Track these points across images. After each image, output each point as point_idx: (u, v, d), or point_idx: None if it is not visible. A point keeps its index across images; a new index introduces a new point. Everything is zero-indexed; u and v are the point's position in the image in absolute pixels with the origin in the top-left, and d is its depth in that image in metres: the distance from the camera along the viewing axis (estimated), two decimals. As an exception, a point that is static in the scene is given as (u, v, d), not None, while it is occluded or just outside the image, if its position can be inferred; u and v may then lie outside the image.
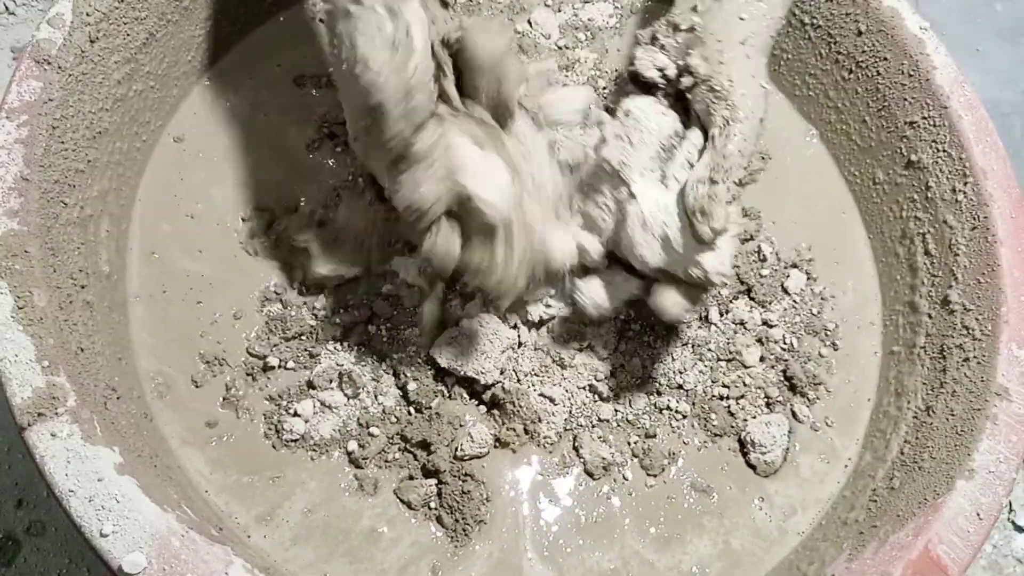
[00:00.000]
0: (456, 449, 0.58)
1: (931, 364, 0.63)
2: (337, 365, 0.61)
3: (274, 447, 0.59)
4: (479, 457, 0.59)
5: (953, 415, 0.58)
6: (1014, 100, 1.12)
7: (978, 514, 0.53)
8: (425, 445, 0.59)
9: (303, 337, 0.62)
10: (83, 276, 0.56)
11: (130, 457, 0.49)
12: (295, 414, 0.59)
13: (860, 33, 0.70)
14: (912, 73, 0.68)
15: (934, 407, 0.60)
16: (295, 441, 0.59)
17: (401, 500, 0.58)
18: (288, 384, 0.60)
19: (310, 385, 0.60)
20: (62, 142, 0.56)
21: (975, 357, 0.59)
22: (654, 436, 0.61)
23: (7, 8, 1.04)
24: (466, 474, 0.58)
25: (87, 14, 0.59)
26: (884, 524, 0.56)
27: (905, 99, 0.68)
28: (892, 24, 0.69)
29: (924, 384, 0.62)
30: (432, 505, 0.58)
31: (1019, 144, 1.08)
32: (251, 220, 0.65)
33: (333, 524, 0.57)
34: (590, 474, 0.60)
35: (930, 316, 0.64)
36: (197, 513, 0.51)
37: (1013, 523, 0.89)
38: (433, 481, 0.58)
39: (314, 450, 0.59)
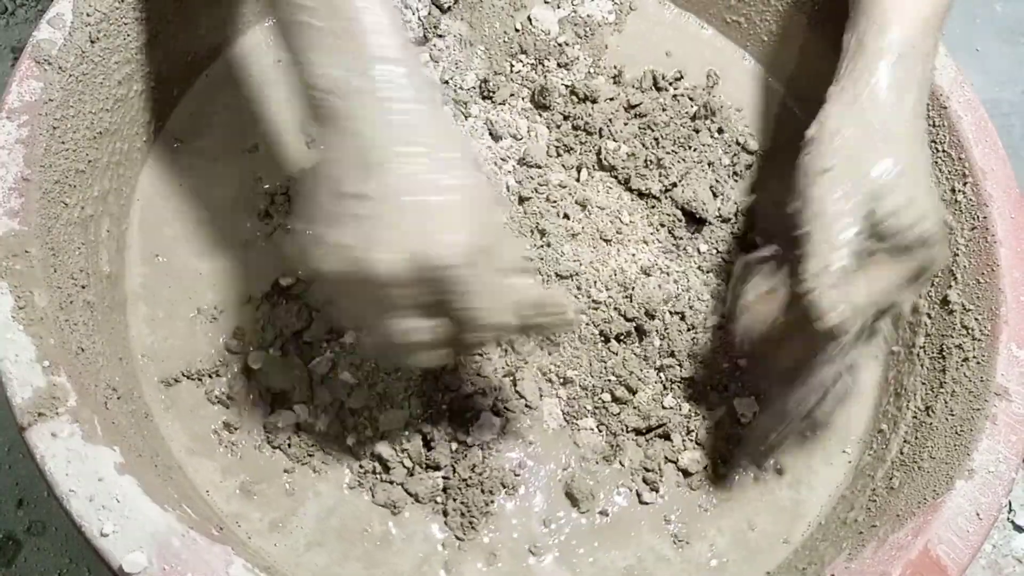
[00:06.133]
0: (462, 440, 0.59)
1: (931, 364, 0.63)
2: (331, 359, 0.61)
3: (276, 448, 0.59)
4: (485, 447, 0.59)
5: (953, 415, 0.58)
6: (1014, 100, 1.12)
7: (977, 514, 0.53)
8: (426, 441, 0.59)
9: (302, 333, 0.61)
10: (84, 276, 0.56)
11: (130, 457, 0.49)
12: (291, 409, 0.59)
13: (860, 33, 0.70)
14: (912, 73, 0.68)
15: (934, 407, 0.60)
16: (293, 438, 0.59)
17: (408, 493, 0.58)
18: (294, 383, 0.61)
19: (310, 383, 0.60)
20: (63, 142, 0.56)
21: (975, 357, 0.59)
22: (661, 426, 0.62)
23: (7, 8, 1.04)
24: (471, 466, 0.58)
25: (87, 14, 0.59)
26: (883, 524, 0.56)
27: (905, 99, 0.68)
28: (892, 24, 0.69)
29: (924, 384, 0.62)
30: (439, 499, 0.58)
31: (1019, 144, 1.08)
32: (257, 213, 0.65)
33: (348, 526, 0.57)
34: (604, 459, 0.61)
35: (929, 316, 0.64)
36: (198, 513, 0.51)
37: (1013, 523, 0.89)
38: (439, 473, 0.58)
39: (314, 446, 0.59)
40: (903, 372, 0.65)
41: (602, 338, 0.62)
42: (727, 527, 0.61)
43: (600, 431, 0.62)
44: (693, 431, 0.62)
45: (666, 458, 0.61)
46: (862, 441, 0.65)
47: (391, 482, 0.58)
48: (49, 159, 0.55)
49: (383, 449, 0.59)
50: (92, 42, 0.59)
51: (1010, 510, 0.90)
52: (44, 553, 0.79)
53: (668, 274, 0.65)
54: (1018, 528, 0.89)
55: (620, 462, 0.61)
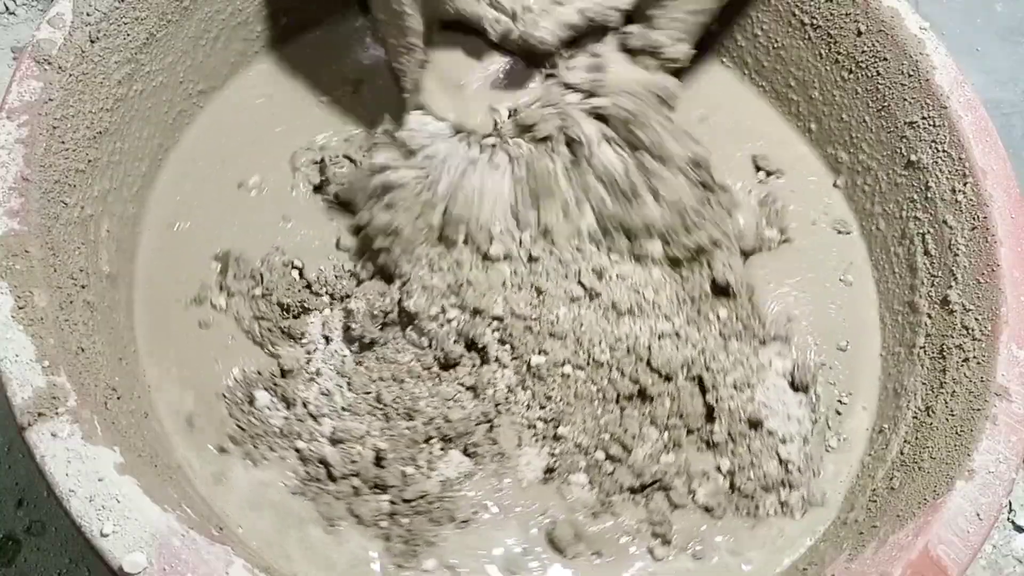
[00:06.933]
0: (421, 469, 0.57)
1: (931, 364, 0.63)
2: (307, 355, 0.61)
3: (231, 435, 0.59)
4: (446, 482, 0.58)
5: (953, 415, 0.58)
6: (1014, 100, 1.12)
7: (978, 514, 0.53)
8: (377, 460, 0.57)
9: (291, 311, 0.62)
10: (84, 276, 0.56)
11: (130, 457, 0.49)
12: (251, 401, 0.59)
13: (860, 33, 0.70)
14: (912, 73, 0.68)
15: (934, 407, 0.60)
16: (248, 426, 0.59)
17: (351, 513, 0.57)
18: (260, 369, 0.61)
19: (282, 373, 0.60)
20: (62, 142, 0.56)
21: (975, 357, 0.59)
22: (656, 482, 0.60)
23: (7, 8, 1.04)
24: (422, 493, 0.56)
25: (87, 14, 0.59)
26: (884, 524, 0.56)
27: (905, 99, 0.68)
28: (892, 24, 0.69)
29: (924, 384, 0.62)
30: (383, 524, 0.56)
31: (1019, 144, 1.08)
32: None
33: (281, 511, 0.57)
34: (593, 515, 0.59)
35: (930, 316, 0.64)
36: (197, 513, 0.51)
37: (1013, 523, 0.89)
38: (386, 497, 0.57)
39: (262, 440, 0.58)
40: (903, 372, 0.65)
41: (600, 395, 0.61)
42: (750, 540, 0.60)
43: (592, 487, 0.60)
44: (699, 474, 0.60)
45: (674, 505, 0.59)
46: (864, 439, 0.65)
47: (336, 497, 0.57)
48: (49, 159, 0.55)
49: (331, 455, 0.57)
50: (92, 42, 0.59)
51: (1010, 510, 0.90)
52: (44, 553, 0.79)
53: (686, 340, 0.63)
54: (1018, 528, 0.89)
55: (611, 512, 0.59)
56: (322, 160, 0.68)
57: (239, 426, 0.59)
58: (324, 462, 0.58)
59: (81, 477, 0.46)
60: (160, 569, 0.45)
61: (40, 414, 0.47)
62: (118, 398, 0.54)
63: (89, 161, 0.59)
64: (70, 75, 0.57)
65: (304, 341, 0.62)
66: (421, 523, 0.56)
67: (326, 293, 0.63)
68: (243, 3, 0.71)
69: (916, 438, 0.60)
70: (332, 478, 0.57)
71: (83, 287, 0.56)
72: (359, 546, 0.56)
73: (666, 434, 0.61)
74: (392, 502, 0.57)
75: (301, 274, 0.64)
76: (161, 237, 0.65)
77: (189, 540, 0.46)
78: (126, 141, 0.63)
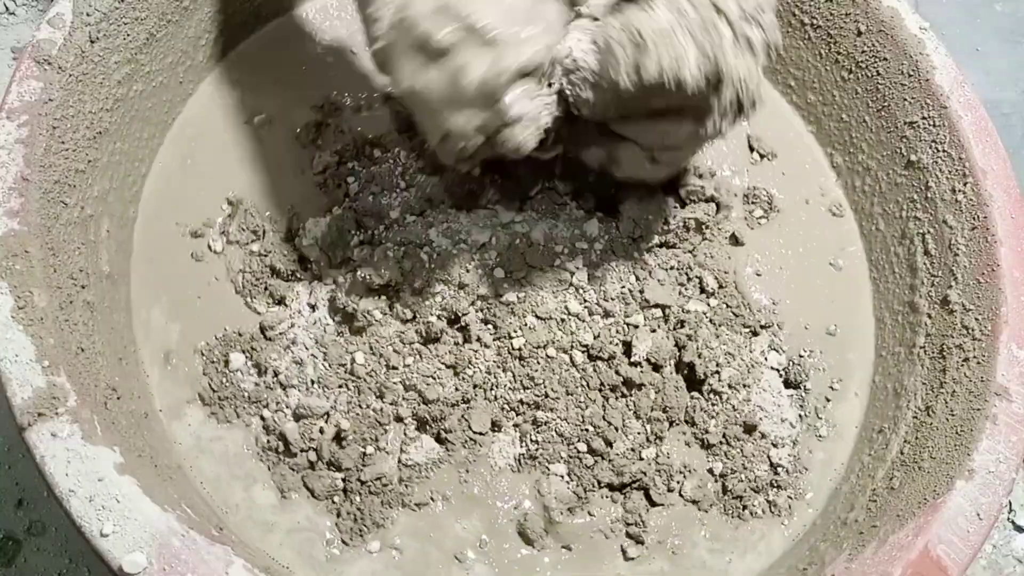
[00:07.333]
0: (384, 449, 0.57)
1: (931, 364, 0.63)
2: (289, 319, 0.61)
3: (201, 395, 0.59)
4: (411, 464, 0.58)
5: (953, 415, 0.58)
6: (1014, 100, 1.12)
7: (978, 514, 0.53)
8: (338, 437, 0.57)
9: (283, 281, 0.63)
10: (83, 276, 0.56)
11: (130, 457, 0.49)
12: (226, 363, 0.60)
13: (860, 33, 0.71)
14: (912, 73, 0.68)
15: (934, 407, 0.60)
16: (219, 387, 0.59)
17: (306, 486, 0.57)
18: (240, 330, 0.62)
19: (263, 331, 0.61)
20: (62, 142, 0.57)
21: (975, 357, 0.59)
22: (636, 481, 0.59)
23: (7, 8, 1.04)
24: (378, 475, 0.57)
25: (87, 14, 0.59)
26: (884, 524, 0.56)
27: (905, 99, 0.69)
28: (892, 24, 0.69)
29: (924, 384, 0.63)
30: (336, 499, 0.57)
31: (1019, 144, 1.08)
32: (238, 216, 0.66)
33: (235, 464, 0.58)
34: (569, 510, 0.58)
35: (930, 316, 0.64)
36: (197, 513, 0.51)
37: (1013, 523, 0.89)
38: (339, 475, 0.57)
39: (229, 403, 0.59)
40: (903, 372, 0.65)
41: (584, 383, 0.60)
42: (731, 540, 0.60)
43: (570, 480, 0.59)
44: (684, 469, 0.60)
45: (652, 503, 0.59)
46: (859, 440, 0.65)
47: (293, 469, 0.57)
48: (49, 159, 0.55)
49: (290, 431, 0.57)
50: (92, 42, 0.59)
51: (1010, 510, 0.90)
52: (44, 553, 0.79)
53: (681, 325, 0.62)
54: (1018, 528, 0.89)
55: (589, 512, 0.59)
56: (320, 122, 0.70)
57: (211, 386, 0.59)
58: (283, 437, 0.58)
59: (81, 477, 0.46)
60: (160, 569, 0.45)
61: (40, 414, 0.47)
62: (118, 398, 0.54)
63: (89, 161, 0.59)
64: (70, 75, 0.57)
65: (284, 305, 0.62)
66: (373, 504, 0.56)
67: (321, 267, 0.63)
68: (242, 3, 0.71)
69: (916, 438, 0.60)
70: (291, 453, 0.58)
71: (83, 287, 0.56)
72: (306, 517, 0.57)
73: (648, 427, 0.61)
74: (346, 480, 0.57)
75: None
76: (179, 169, 0.67)
77: (189, 540, 0.47)
78: (126, 141, 0.63)
